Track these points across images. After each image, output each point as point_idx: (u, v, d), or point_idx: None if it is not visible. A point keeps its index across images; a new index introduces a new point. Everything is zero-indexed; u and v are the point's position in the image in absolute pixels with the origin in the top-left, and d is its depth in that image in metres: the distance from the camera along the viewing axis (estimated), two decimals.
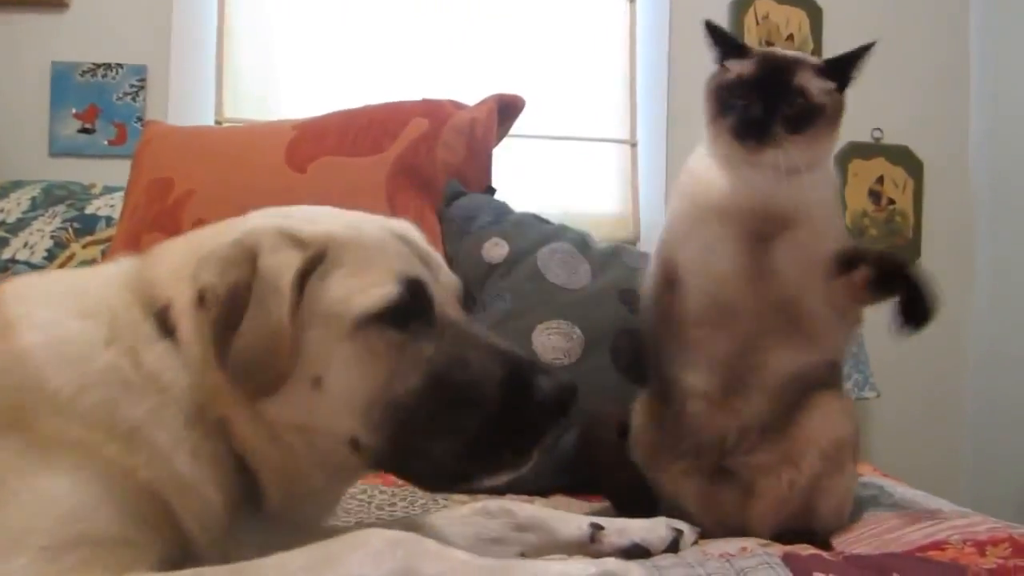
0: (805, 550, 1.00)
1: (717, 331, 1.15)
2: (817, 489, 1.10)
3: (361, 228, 0.85)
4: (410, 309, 0.80)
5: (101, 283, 0.85)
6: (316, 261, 0.80)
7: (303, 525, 0.85)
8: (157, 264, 0.85)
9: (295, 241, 0.80)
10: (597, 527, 1.00)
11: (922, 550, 0.99)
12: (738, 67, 1.14)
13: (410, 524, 0.97)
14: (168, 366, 0.78)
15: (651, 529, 1.02)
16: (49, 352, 0.76)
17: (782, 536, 1.07)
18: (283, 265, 0.78)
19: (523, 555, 0.96)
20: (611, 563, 0.76)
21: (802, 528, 1.09)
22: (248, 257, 0.79)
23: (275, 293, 0.77)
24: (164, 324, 0.80)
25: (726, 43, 1.19)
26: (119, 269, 0.88)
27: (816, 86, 1.11)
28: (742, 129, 1.09)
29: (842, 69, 1.13)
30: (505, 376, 0.79)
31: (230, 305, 0.77)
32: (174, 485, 0.76)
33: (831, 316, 1.13)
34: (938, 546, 0.99)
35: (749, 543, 1.02)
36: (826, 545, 1.06)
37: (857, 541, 1.08)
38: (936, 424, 2.64)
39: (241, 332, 0.76)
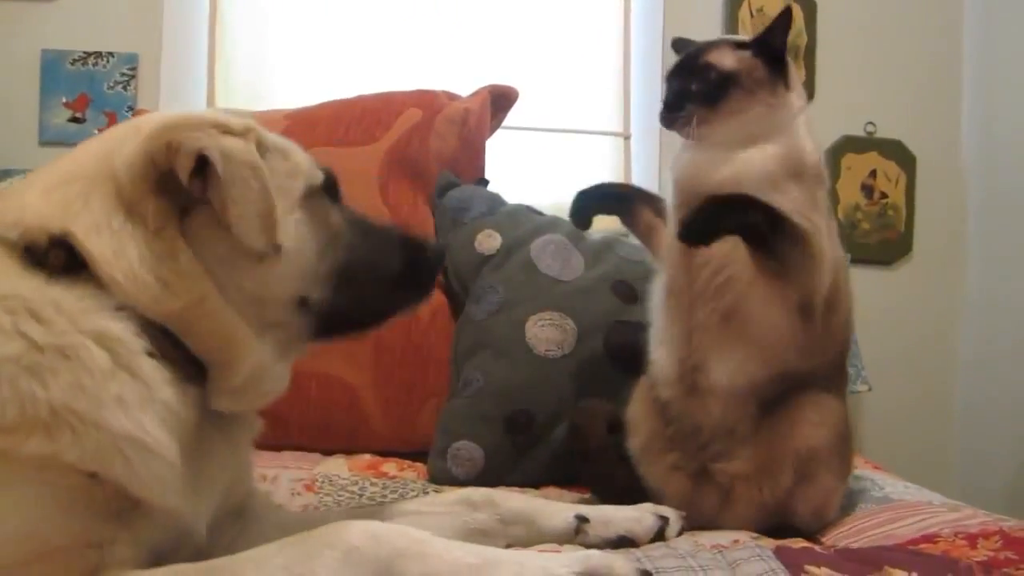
0: (796, 543, 1.00)
1: (670, 314, 1.17)
2: (795, 497, 1.09)
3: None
4: (333, 185, 0.94)
5: None
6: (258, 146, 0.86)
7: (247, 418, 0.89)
8: (18, 213, 0.79)
9: (232, 130, 0.84)
10: (582, 519, 1.01)
11: (914, 543, 0.99)
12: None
13: (393, 512, 0.98)
14: (79, 317, 0.74)
15: (637, 519, 1.03)
16: None
17: (766, 534, 1.07)
18: (245, 147, 0.83)
19: (509, 547, 0.95)
20: (595, 557, 0.76)
21: (783, 528, 1.09)
22: (201, 132, 0.80)
23: (254, 168, 0.82)
24: (55, 261, 0.76)
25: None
26: None
27: (729, 58, 1.12)
28: (662, 115, 1.15)
29: (766, 35, 1.14)
30: (403, 235, 0.99)
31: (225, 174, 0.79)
32: (110, 451, 0.71)
33: (780, 318, 1.08)
34: (930, 539, 1.00)
35: (741, 535, 1.02)
36: (814, 540, 1.06)
37: (848, 534, 1.09)
38: (927, 418, 2.65)
39: (236, 201, 0.79)
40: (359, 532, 0.71)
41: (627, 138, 2.66)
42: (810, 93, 2.63)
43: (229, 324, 0.82)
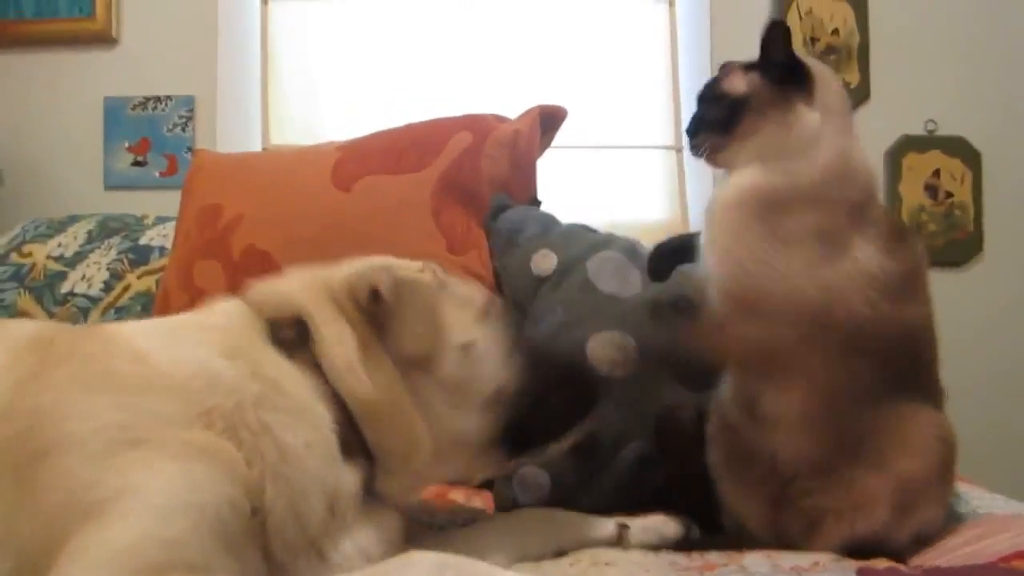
0: (880, 563, 0.96)
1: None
2: (893, 529, 1.03)
3: None
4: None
5: (223, 323, 0.93)
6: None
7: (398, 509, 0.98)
8: (273, 294, 0.96)
9: (409, 267, 0.99)
10: (623, 526, 1.14)
11: (1006, 560, 0.94)
12: None
13: (453, 536, 1.08)
14: (306, 387, 0.87)
15: (665, 522, 1.16)
16: (205, 380, 0.80)
17: (853, 554, 1.03)
18: (415, 277, 0.98)
19: (559, 550, 1.08)
20: None
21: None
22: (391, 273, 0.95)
23: (422, 286, 0.96)
24: (290, 341, 0.90)
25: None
26: (232, 309, 0.96)
27: (739, 83, 1.12)
28: (689, 147, 1.20)
29: (764, 53, 1.12)
30: (564, 363, 1.20)
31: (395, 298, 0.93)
32: (287, 502, 0.80)
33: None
34: (1022, 555, 0.94)
35: (822, 557, 0.98)
36: (899, 560, 1.01)
37: (935, 553, 1.03)
38: (1011, 425, 2.54)
39: (406, 316, 0.93)
40: (428, 562, 0.73)
41: (679, 150, 2.63)
42: (865, 94, 2.58)
43: (410, 424, 0.93)
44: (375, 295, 0.93)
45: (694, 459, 1.22)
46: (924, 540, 1.05)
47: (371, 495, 0.92)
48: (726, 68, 1.18)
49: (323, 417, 0.86)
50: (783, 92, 1.09)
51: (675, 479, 1.30)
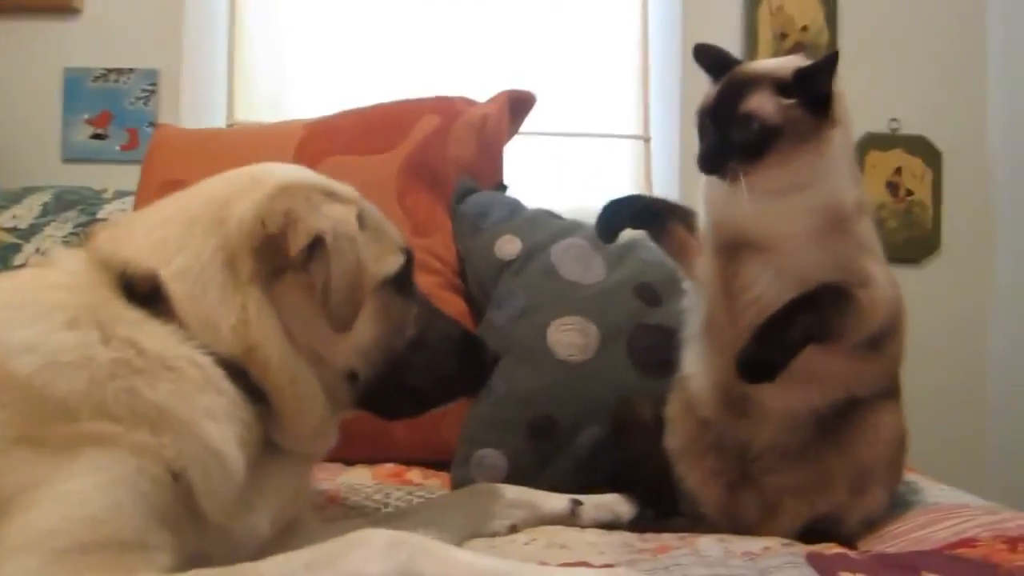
0: (829, 549, 0.97)
1: (711, 345, 1.15)
2: (846, 510, 1.08)
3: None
4: (407, 274, 0.99)
5: (63, 284, 0.85)
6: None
7: (306, 458, 0.97)
8: (122, 246, 0.88)
9: (336, 197, 0.93)
10: (577, 502, 1.15)
11: (952, 547, 0.96)
12: (710, 91, 1.11)
13: (407, 514, 1.08)
14: (170, 342, 0.82)
15: (619, 501, 1.18)
16: (49, 372, 0.76)
17: (804, 536, 1.05)
18: (347, 216, 0.91)
19: (513, 527, 1.09)
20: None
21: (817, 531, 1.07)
22: (318, 204, 0.89)
23: (351, 240, 0.89)
24: (144, 298, 0.85)
25: (715, 63, 1.13)
26: (72, 265, 0.89)
27: (771, 106, 1.03)
28: (702, 162, 1.08)
29: (809, 82, 1.04)
30: (463, 333, 1.07)
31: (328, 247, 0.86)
32: (199, 456, 0.79)
33: (833, 354, 1.05)
34: (968, 543, 0.97)
35: (772, 543, 1.00)
36: (848, 546, 1.03)
37: (883, 539, 1.06)
38: (960, 416, 2.60)
39: (335, 272, 0.86)
40: (381, 538, 0.73)
41: (647, 140, 2.64)
42: None
43: (299, 375, 0.90)
44: (318, 243, 0.86)
45: (650, 444, 1.23)
46: (871, 524, 1.09)
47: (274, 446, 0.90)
48: (750, 84, 1.06)
49: (198, 367, 0.82)
50: (817, 122, 1.04)
51: (631, 464, 1.31)
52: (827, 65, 1.04)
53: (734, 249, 1.09)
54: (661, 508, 1.18)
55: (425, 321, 1.01)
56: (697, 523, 1.13)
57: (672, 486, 1.17)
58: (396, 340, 0.97)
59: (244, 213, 0.88)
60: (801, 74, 1.04)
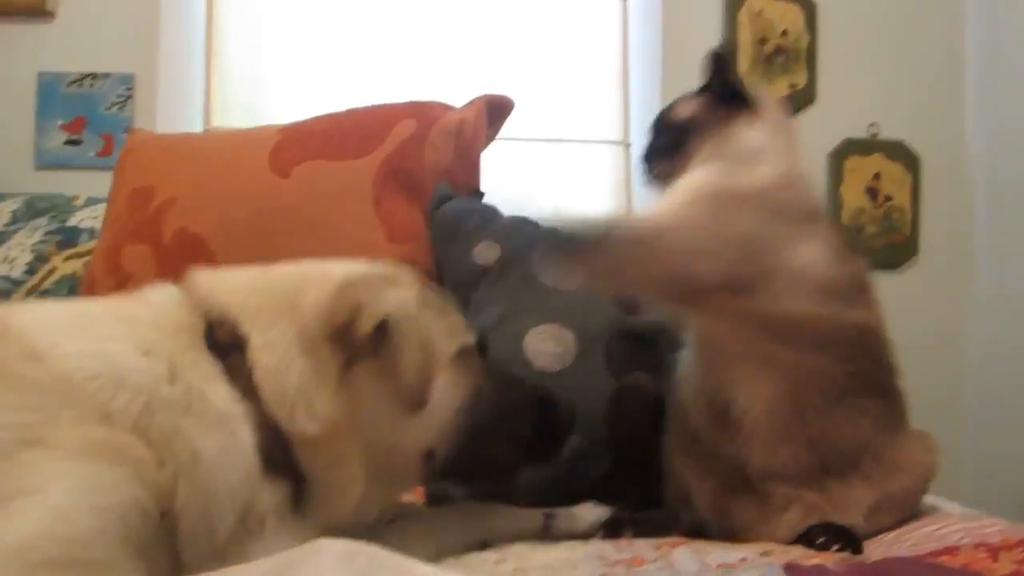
0: (808, 559, 0.96)
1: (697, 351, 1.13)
2: (857, 527, 1.05)
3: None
4: (476, 348, 1.01)
5: (148, 315, 0.86)
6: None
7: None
8: (218, 300, 0.89)
9: (397, 283, 0.94)
10: (550, 516, 1.13)
11: (933, 555, 0.95)
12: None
13: (377, 529, 1.01)
14: (236, 407, 0.82)
15: (590, 509, 1.16)
16: (109, 387, 0.75)
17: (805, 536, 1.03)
18: (408, 298, 0.93)
19: (485, 543, 1.06)
20: None
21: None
22: (380, 291, 0.90)
23: (415, 319, 0.92)
24: (226, 346, 0.85)
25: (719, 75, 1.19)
26: (165, 300, 0.90)
27: (685, 107, 1.17)
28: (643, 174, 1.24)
29: (708, 84, 1.16)
30: (539, 393, 1.07)
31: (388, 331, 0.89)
32: (198, 507, 0.77)
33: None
34: (949, 551, 0.95)
35: (749, 553, 0.98)
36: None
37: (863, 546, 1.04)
38: (937, 422, 2.59)
39: (404, 349, 0.89)
40: (338, 546, 0.71)
41: (627, 146, 2.64)
42: (811, 96, 2.61)
43: (353, 462, 0.89)
44: (382, 327, 0.88)
45: (641, 444, 1.22)
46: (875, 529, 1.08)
47: (301, 515, 0.89)
48: (680, 98, 1.21)
49: (241, 432, 0.82)
50: (724, 111, 1.12)
51: (622, 466, 1.29)
52: (711, 62, 1.18)
53: None
54: (653, 500, 1.18)
55: (501, 386, 1.02)
56: (675, 520, 1.13)
57: (658, 491, 1.15)
58: (474, 412, 0.98)
59: (317, 305, 0.89)
60: (702, 74, 1.21)
